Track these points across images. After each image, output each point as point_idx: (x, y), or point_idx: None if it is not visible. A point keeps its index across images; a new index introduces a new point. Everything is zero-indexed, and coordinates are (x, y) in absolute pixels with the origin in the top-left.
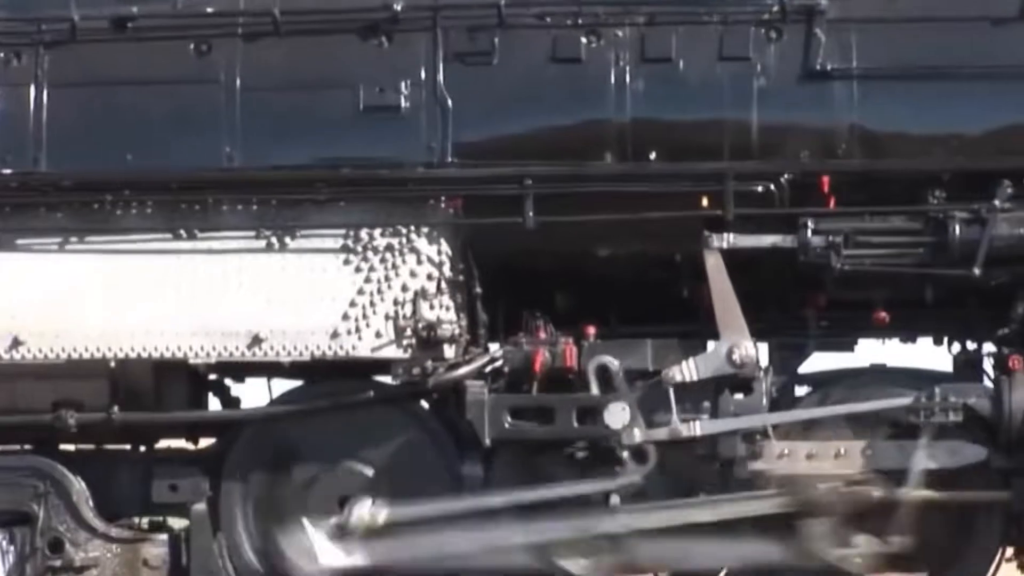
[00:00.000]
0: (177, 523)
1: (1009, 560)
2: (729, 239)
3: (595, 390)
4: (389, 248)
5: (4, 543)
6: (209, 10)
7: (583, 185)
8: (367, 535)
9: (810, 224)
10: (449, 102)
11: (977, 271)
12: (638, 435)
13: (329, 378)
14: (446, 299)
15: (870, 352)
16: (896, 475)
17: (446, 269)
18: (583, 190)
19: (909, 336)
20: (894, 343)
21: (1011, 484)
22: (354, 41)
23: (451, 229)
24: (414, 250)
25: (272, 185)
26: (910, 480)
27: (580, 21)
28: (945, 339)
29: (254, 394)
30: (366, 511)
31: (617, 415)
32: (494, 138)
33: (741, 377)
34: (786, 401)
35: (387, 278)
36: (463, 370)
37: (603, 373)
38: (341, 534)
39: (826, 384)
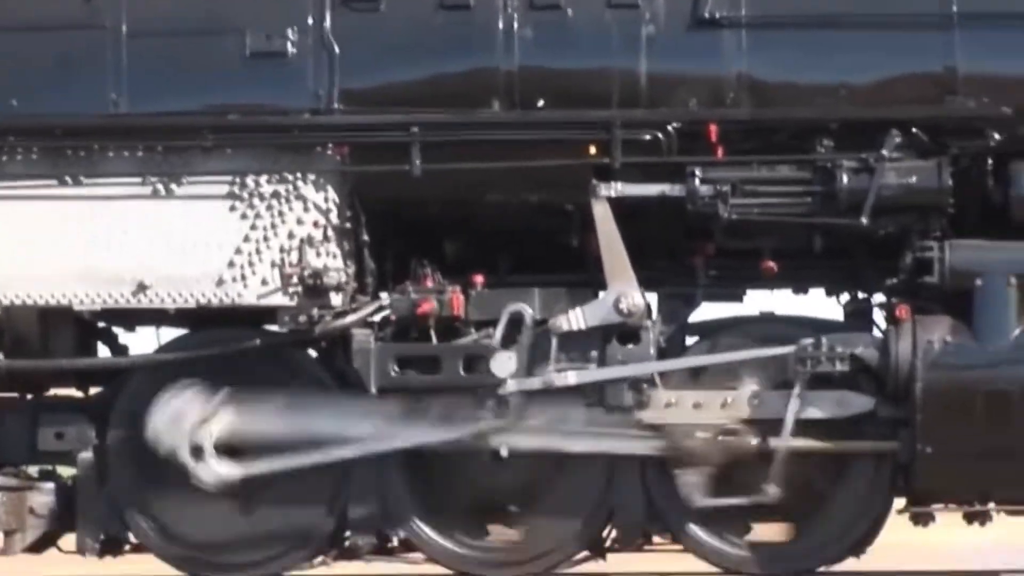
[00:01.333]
0: (67, 472)
1: (901, 512)
2: (617, 188)
3: (499, 336)
4: (275, 195)
5: None
6: None
7: (470, 133)
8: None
9: (698, 173)
10: (336, 48)
11: (865, 221)
12: (512, 385)
13: (216, 326)
14: (333, 247)
15: (761, 302)
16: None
17: (333, 216)
18: (470, 138)
19: (799, 286)
20: (787, 293)
21: (898, 434)
22: None
23: (338, 176)
24: (300, 197)
25: (158, 132)
26: (786, 429)
27: None
28: (836, 289)
29: (143, 342)
30: (218, 469)
31: (503, 364)
32: (381, 85)
33: (629, 326)
34: (674, 350)
35: (273, 225)
36: (350, 318)
37: (515, 320)
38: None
39: (714, 333)
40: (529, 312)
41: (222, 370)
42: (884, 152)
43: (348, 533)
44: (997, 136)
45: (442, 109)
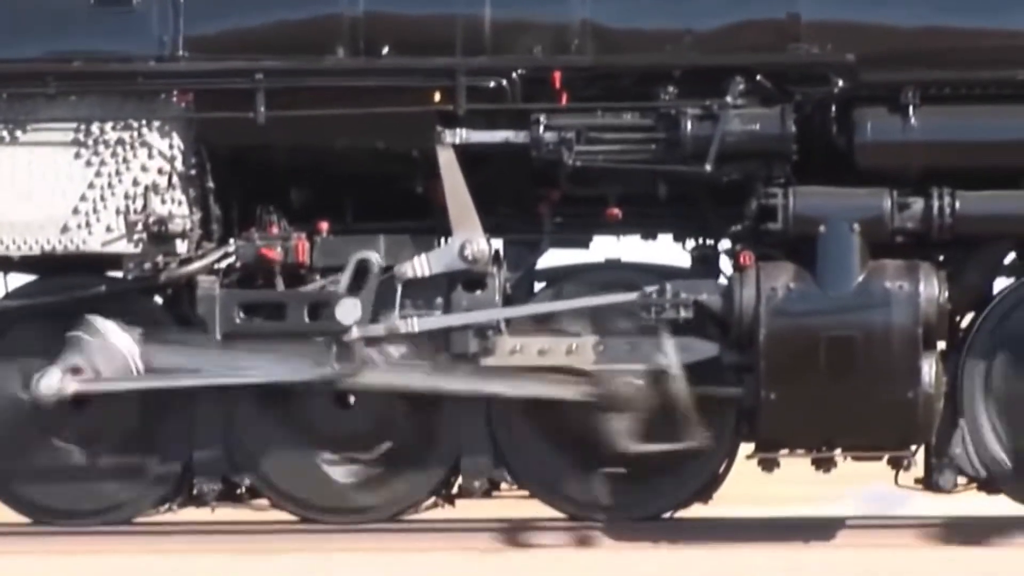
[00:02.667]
0: None
1: (750, 457)
2: (462, 134)
3: (344, 283)
4: (120, 142)
5: None
6: None
7: (314, 80)
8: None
9: (542, 120)
10: None
11: (709, 168)
12: (356, 332)
13: (62, 273)
14: (178, 194)
15: (609, 248)
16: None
17: (178, 163)
18: (314, 85)
19: (647, 233)
20: (635, 239)
21: (742, 380)
22: None
23: (183, 123)
24: (145, 144)
25: (2, 78)
26: (673, 371)
27: None
28: (682, 235)
29: None
30: (55, 381)
31: (348, 311)
32: (226, 32)
33: (475, 273)
34: (520, 297)
35: (118, 172)
36: (195, 265)
37: (363, 268)
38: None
39: (561, 280)
40: (376, 259)
41: (68, 317)
42: (728, 99)
43: (195, 480)
44: (840, 82)
45: (287, 56)
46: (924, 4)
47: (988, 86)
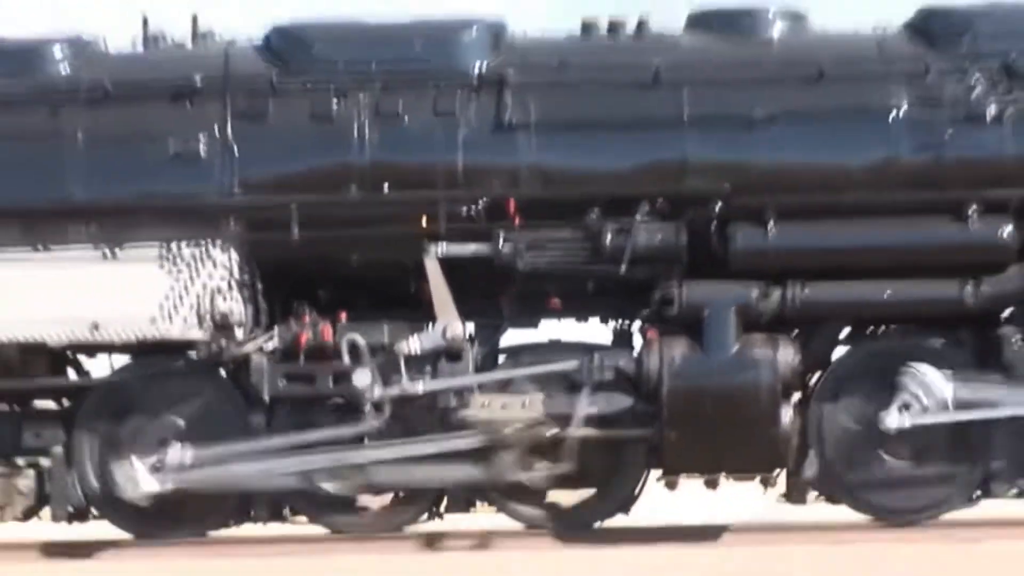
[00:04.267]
0: (45, 462)
1: (659, 480)
2: (443, 248)
3: (346, 359)
4: (193, 257)
5: None
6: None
7: (334, 209)
8: (178, 471)
9: (502, 236)
10: (236, 150)
11: (623, 269)
12: (378, 392)
13: (152, 354)
14: (236, 294)
15: (553, 330)
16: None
17: (235, 272)
18: (335, 213)
19: (582, 317)
20: (571, 322)
21: (651, 424)
22: (166, 104)
23: (238, 242)
24: (211, 258)
25: (109, 213)
26: (575, 422)
27: (332, 87)
28: (606, 318)
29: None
30: (178, 452)
31: (362, 378)
32: (269, 176)
33: (453, 349)
34: (488, 366)
35: (191, 279)
36: (248, 347)
37: (353, 347)
38: (158, 469)
39: (516, 353)
40: (361, 340)
41: (160, 386)
42: (637, 218)
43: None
44: (719, 205)
45: (314, 192)
46: (778, 146)
47: (826, 206)
